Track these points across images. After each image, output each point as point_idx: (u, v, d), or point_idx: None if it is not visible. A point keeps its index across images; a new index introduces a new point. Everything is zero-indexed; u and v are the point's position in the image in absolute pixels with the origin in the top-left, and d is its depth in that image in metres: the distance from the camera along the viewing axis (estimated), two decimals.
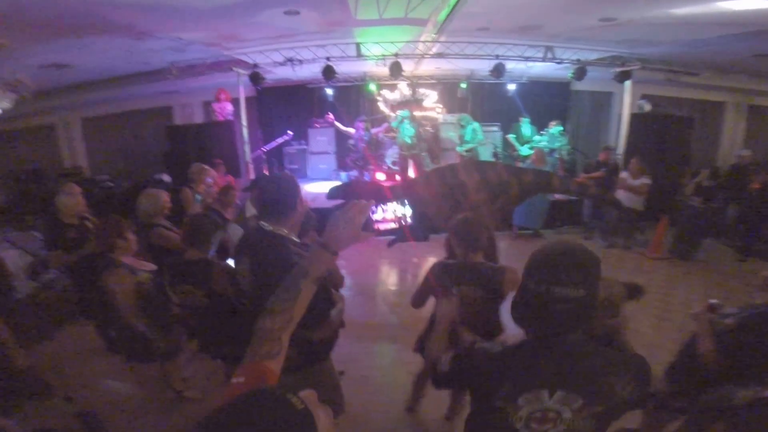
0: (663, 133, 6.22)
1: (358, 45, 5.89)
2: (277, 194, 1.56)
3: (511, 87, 8.19)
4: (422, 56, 6.05)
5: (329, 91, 8.39)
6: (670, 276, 5.02)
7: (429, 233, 4.99)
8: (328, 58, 5.85)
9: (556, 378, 0.98)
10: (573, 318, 0.98)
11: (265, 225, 1.55)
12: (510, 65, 7.31)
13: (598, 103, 8.16)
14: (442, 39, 5.98)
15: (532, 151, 7.98)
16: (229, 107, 6.44)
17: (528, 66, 7.43)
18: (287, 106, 8.84)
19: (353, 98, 9.06)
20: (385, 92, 8.78)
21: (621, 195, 5.66)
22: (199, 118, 8.23)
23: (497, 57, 5.89)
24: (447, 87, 8.63)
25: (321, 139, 8.69)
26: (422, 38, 5.95)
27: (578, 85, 8.55)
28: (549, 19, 4.97)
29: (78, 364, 3.24)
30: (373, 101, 8.73)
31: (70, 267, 3.18)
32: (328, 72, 5.91)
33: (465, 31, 5.57)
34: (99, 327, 3.18)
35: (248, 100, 8.62)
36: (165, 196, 2.88)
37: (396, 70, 5.95)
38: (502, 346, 1.09)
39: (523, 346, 1.05)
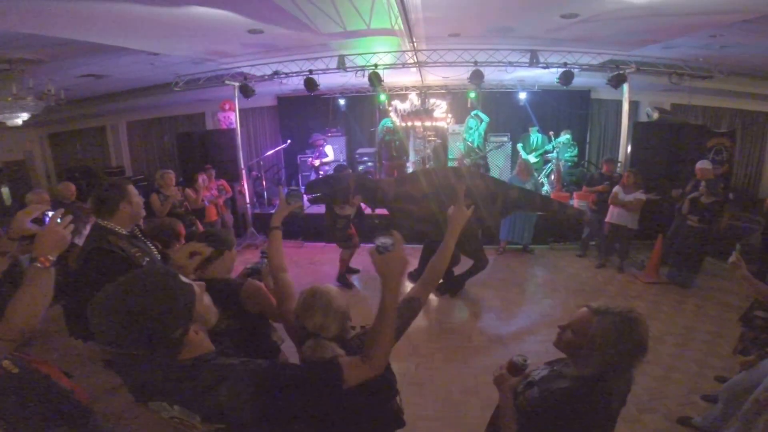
0: (670, 144, 5.37)
1: (341, 57, 6.11)
2: (100, 197, 1.94)
3: (522, 96, 7.70)
4: (402, 65, 6.05)
5: (342, 102, 8.76)
6: (656, 304, 4.38)
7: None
8: (310, 71, 6.17)
9: (168, 392, 0.98)
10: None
11: (98, 220, 1.95)
12: (521, 74, 6.90)
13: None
14: (424, 47, 5.93)
15: (538, 160, 7.47)
16: (233, 116, 7.12)
17: (536, 74, 6.93)
18: (305, 115, 9.38)
19: (366, 108, 9.29)
20: (396, 102, 8.85)
21: (614, 212, 5.09)
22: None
23: (475, 63, 5.64)
24: (456, 97, 8.40)
25: (334, 148, 9.02)
26: (402, 48, 5.97)
27: (600, 94, 7.71)
28: (513, 21, 4.65)
29: None
30: (385, 111, 8.85)
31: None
32: (310, 84, 6.22)
33: (439, 38, 5.46)
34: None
35: (269, 108, 9.41)
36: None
37: (375, 80, 6.03)
38: None
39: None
